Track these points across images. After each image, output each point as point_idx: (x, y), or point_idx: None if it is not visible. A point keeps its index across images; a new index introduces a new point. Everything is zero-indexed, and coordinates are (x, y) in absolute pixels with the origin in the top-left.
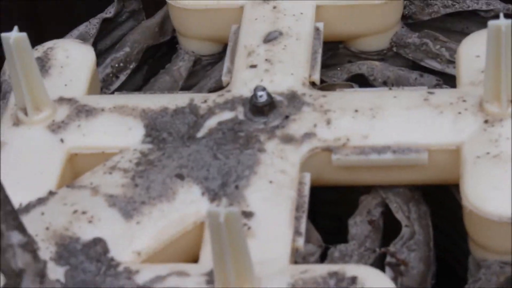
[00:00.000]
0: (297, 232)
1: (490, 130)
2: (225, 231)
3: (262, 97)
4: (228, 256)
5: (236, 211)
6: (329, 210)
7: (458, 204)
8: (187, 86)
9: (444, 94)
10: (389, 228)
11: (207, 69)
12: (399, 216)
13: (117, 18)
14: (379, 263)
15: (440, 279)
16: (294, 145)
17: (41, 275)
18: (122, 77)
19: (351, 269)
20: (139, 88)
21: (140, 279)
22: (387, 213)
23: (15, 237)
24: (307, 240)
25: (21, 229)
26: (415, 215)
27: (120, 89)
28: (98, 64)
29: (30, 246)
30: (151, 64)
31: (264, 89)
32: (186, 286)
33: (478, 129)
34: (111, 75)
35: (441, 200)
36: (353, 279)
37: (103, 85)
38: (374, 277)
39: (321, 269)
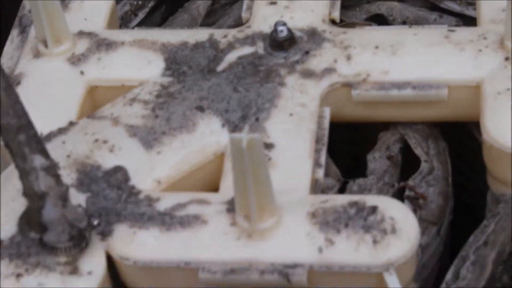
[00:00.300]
0: (317, 164)
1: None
2: (247, 157)
3: (283, 32)
4: (249, 183)
5: (258, 137)
6: (347, 149)
7: (475, 143)
8: (206, 24)
9: (464, 32)
10: (407, 165)
11: (226, 8)
12: (418, 151)
13: None
14: (397, 198)
15: (457, 216)
16: (314, 80)
17: (64, 198)
18: (141, 15)
19: (371, 199)
20: (157, 26)
21: (161, 206)
22: (406, 150)
23: (38, 161)
24: (326, 174)
25: (44, 153)
26: (433, 151)
27: (138, 26)
28: (117, 1)
29: (53, 169)
30: (169, 3)
31: (284, 24)
32: (206, 213)
33: (498, 66)
34: (129, 12)
35: (458, 139)
36: (374, 209)
37: (121, 22)
38: (394, 207)
39: (341, 199)
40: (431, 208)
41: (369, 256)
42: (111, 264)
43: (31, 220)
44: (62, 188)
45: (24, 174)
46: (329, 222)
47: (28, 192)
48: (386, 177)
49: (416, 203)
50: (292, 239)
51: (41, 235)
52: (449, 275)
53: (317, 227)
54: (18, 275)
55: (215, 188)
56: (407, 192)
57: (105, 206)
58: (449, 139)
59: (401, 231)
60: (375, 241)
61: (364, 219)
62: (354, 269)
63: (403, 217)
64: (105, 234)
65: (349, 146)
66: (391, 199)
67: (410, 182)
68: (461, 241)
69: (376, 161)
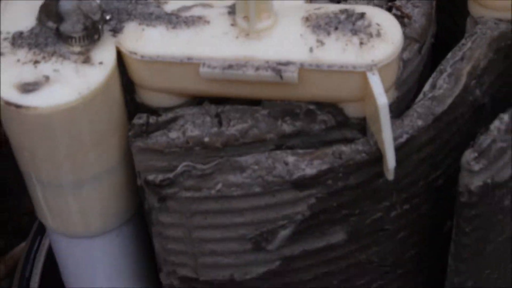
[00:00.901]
0: None
1: None
2: None
3: None
4: None
5: None
6: None
7: None
8: None
9: None
10: None
11: None
12: None
13: None
14: None
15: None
16: None
17: None
18: None
19: (360, 7)
20: None
21: (168, 8)
22: None
23: None
24: None
25: None
26: None
27: None
28: None
29: None
30: None
31: None
32: (209, 15)
33: None
34: None
35: None
36: (362, 15)
37: None
38: (381, 15)
39: (333, 7)
40: (415, 27)
41: (355, 56)
42: (121, 59)
43: (49, 11)
44: None
45: None
46: (321, 25)
47: None
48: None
49: (402, 21)
50: (286, 39)
51: (58, 25)
52: (426, 87)
53: (310, 30)
54: (36, 62)
55: None
56: (393, 11)
57: (117, 6)
58: None
59: (385, 35)
60: (361, 43)
61: (352, 23)
62: (341, 68)
63: (389, 24)
64: (116, 31)
65: None
66: (378, 8)
67: (397, 2)
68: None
69: None
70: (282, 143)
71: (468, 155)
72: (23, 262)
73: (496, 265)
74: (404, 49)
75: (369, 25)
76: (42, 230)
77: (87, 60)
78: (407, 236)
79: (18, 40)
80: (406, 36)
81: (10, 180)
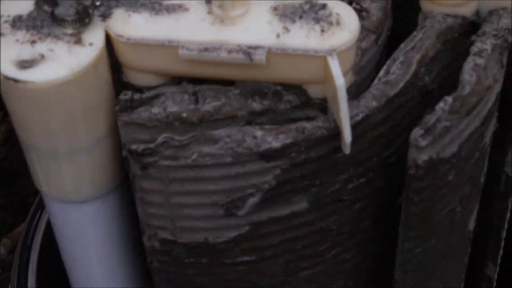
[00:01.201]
0: None
1: None
2: None
3: None
4: None
5: None
6: None
7: None
8: None
9: None
10: None
11: None
12: None
13: None
14: None
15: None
16: None
17: None
18: None
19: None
20: None
21: None
22: None
23: None
24: None
25: None
26: None
27: None
28: None
29: None
30: None
31: None
32: (188, 3)
33: None
34: None
35: None
36: (323, 5)
37: None
38: (341, 6)
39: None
40: (372, 20)
41: (317, 42)
42: (109, 42)
43: None
44: None
45: None
46: (287, 14)
47: None
48: None
49: (360, 14)
50: (256, 26)
51: (53, 10)
52: (381, 73)
53: (277, 18)
54: (33, 42)
55: None
56: (353, 5)
57: None
58: None
59: (344, 24)
60: (322, 31)
61: (315, 13)
62: (304, 51)
63: (347, 14)
64: (105, 16)
65: None
66: (339, 1)
67: None
68: None
69: None
70: (252, 119)
71: (416, 132)
72: (25, 232)
73: (441, 235)
74: (362, 39)
75: (330, 15)
76: (42, 205)
77: (78, 41)
78: (363, 207)
79: (17, 22)
80: (364, 28)
81: (18, 165)
